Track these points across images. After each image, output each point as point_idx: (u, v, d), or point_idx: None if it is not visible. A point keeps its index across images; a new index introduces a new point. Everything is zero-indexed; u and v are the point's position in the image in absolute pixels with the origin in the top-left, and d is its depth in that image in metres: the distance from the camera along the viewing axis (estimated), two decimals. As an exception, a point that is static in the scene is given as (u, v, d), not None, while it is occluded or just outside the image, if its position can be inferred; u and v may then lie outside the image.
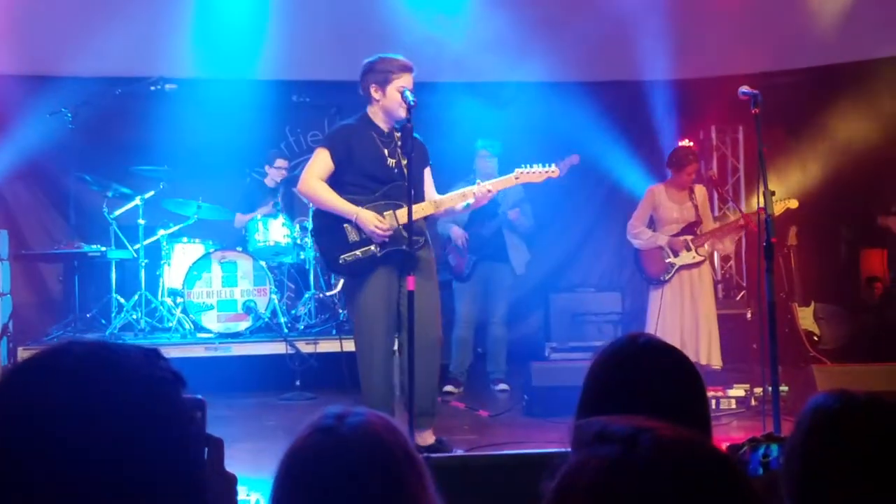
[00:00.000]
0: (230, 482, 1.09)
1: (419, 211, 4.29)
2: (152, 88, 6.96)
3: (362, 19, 7.43)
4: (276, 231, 6.96)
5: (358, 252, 4.28)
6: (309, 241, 7.03)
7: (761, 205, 4.16)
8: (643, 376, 1.60)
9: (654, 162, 7.80)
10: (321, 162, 4.32)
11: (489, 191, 4.41)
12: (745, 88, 4.36)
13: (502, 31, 7.42)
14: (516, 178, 4.49)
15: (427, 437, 4.47)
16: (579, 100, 7.85)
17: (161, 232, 6.92)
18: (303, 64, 7.89)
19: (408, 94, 4.19)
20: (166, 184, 6.88)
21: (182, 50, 7.37)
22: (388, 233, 4.25)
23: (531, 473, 2.67)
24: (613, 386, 1.61)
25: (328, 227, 4.37)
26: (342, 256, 4.31)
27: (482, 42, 7.44)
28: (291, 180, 7.64)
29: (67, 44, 7.19)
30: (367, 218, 4.24)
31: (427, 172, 4.55)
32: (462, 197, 4.42)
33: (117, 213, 6.86)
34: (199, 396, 1.09)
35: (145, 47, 7.22)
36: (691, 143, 7.15)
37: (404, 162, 4.29)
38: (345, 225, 4.30)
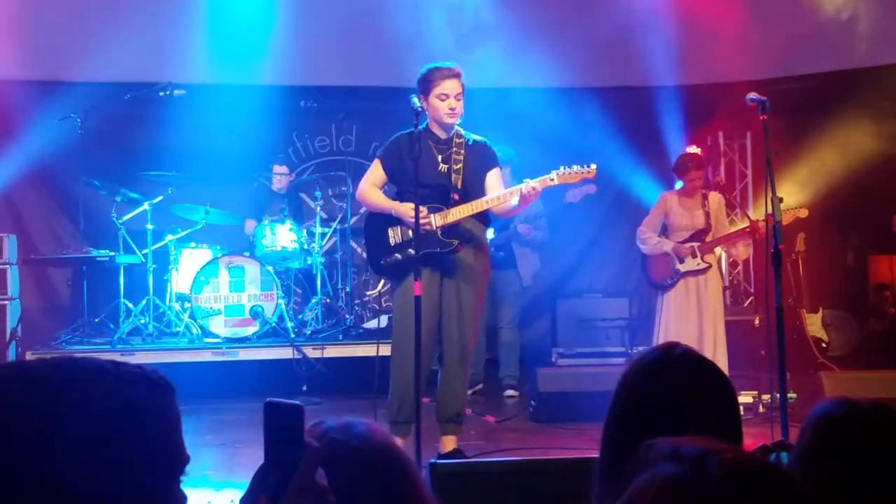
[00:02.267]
0: (320, 495, 1.07)
1: (457, 213, 4.31)
2: (161, 94, 6.99)
3: (370, 25, 7.45)
4: (284, 236, 6.97)
5: (398, 255, 4.36)
6: (316, 245, 7.06)
7: (769, 211, 4.15)
8: (679, 388, 1.59)
9: (662, 168, 7.79)
10: (374, 171, 4.50)
11: (534, 188, 4.28)
12: (753, 95, 4.36)
13: (510, 36, 7.43)
14: (552, 180, 4.42)
15: (447, 444, 4.44)
16: (586, 106, 7.85)
17: (169, 237, 6.94)
18: (310, 69, 7.92)
19: (414, 98, 4.21)
20: (174, 189, 6.89)
21: (191, 56, 7.39)
22: (425, 220, 4.23)
23: (537, 479, 2.67)
24: (648, 397, 1.59)
25: (374, 231, 4.49)
26: (384, 258, 4.41)
27: (490, 47, 7.45)
28: (299, 185, 7.66)
29: (77, 49, 7.23)
30: (404, 209, 4.29)
31: (492, 175, 4.46)
32: (508, 196, 4.36)
33: (126, 217, 6.88)
34: (298, 402, 1.09)
35: (154, 53, 7.26)
36: (699, 150, 7.15)
37: (457, 167, 4.35)
38: (388, 229, 4.40)
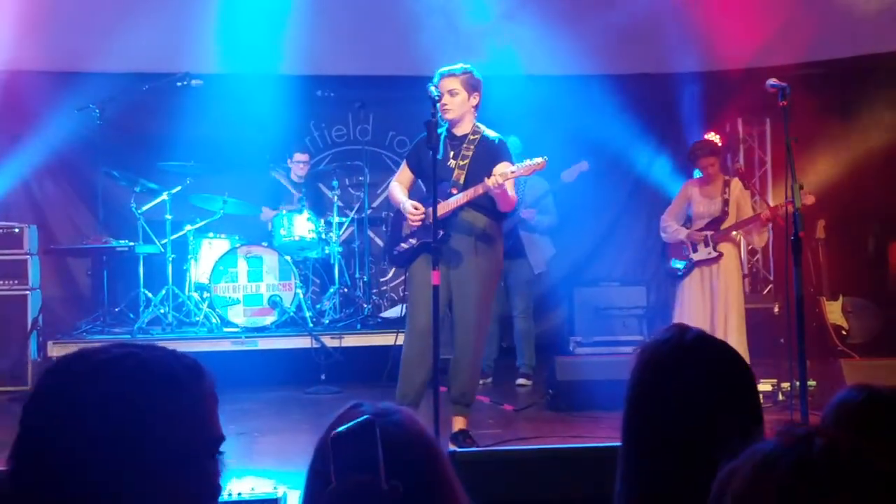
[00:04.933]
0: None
1: (442, 207, 4.40)
2: (178, 84, 7.02)
3: (386, 14, 7.44)
4: (302, 226, 6.99)
5: (404, 244, 4.65)
6: (334, 235, 7.08)
7: (789, 198, 4.12)
8: (694, 372, 1.57)
9: (680, 155, 7.73)
10: (401, 170, 4.83)
11: (499, 184, 4.31)
12: (772, 81, 4.33)
13: (528, 24, 7.39)
14: (512, 173, 4.43)
15: (455, 424, 4.58)
16: (605, 93, 7.81)
17: (188, 227, 6.98)
18: (327, 59, 7.91)
19: (431, 88, 4.33)
20: (193, 179, 6.93)
21: (207, 46, 7.41)
22: (419, 216, 4.47)
23: (555, 468, 2.68)
24: (663, 380, 1.58)
25: (394, 224, 4.82)
26: (395, 248, 4.73)
27: (507, 35, 7.42)
28: (316, 175, 7.68)
29: (95, 40, 7.26)
30: (406, 206, 4.57)
31: (498, 169, 4.48)
32: (473, 193, 4.43)
33: (145, 208, 6.92)
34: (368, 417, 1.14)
35: (171, 43, 7.28)
36: (717, 136, 7.09)
37: (462, 162, 4.49)
38: (404, 221, 4.66)
